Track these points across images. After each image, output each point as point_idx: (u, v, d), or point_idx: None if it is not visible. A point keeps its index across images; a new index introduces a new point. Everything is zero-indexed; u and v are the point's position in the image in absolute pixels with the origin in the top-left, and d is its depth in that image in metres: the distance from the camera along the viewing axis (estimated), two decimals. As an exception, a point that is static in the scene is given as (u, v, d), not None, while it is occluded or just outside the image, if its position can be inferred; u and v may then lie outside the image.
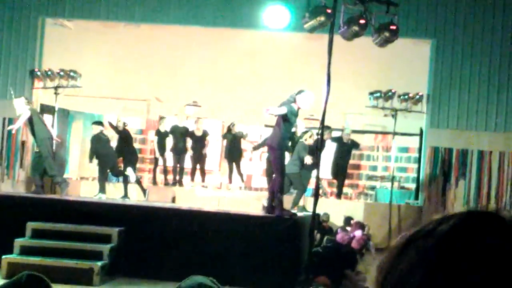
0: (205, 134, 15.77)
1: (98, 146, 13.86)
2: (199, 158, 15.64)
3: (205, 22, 14.87)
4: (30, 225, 9.13)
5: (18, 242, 8.86)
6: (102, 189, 13.41)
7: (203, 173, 15.84)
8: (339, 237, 10.02)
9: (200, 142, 15.64)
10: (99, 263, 8.52)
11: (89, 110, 18.62)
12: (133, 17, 15.28)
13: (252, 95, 14.37)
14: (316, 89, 14.25)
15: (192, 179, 15.75)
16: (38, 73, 15.07)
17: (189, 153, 15.70)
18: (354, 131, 18.49)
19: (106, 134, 14.24)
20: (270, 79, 16.48)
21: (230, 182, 15.77)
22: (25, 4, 15.30)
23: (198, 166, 15.74)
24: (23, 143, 15.29)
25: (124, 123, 15.12)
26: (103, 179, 13.75)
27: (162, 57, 17.30)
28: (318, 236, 10.69)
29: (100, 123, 14.52)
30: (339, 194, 15.52)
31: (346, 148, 15.39)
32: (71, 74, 15.28)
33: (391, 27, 9.97)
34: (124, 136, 15.00)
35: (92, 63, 17.12)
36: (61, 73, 15.14)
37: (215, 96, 17.44)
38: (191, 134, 15.74)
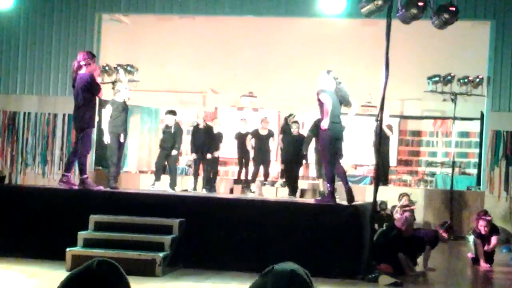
0: (270, 134, 14.89)
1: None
2: (264, 159, 14.82)
3: (260, 12, 14.83)
4: (93, 218, 9.24)
5: (82, 234, 8.97)
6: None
7: (267, 174, 15.00)
8: (397, 221, 9.88)
9: (264, 142, 14.79)
10: (161, 254, 8.56)
11: (146, 104, 18.80)
12: (188, 10, 15.34)
13: (309, 84, 14.19)
14: (373, 75, 14.10)
15: (254, 181, 14.97)
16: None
17: (251, 154, 14.99)
18: (412, 117, 18.24)
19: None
20: (326, 66, 16.33)
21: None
22: (82, 1, 15.51)
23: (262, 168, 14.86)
24: (83, 138, 15.52)
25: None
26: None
27: (217, 48, 17.34)
28: (376, 224, 10.55)
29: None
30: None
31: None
32: (128, 68, 15.46)
33: (451, 8, 9.74)
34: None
35: (148, 57, 17.27)
36: (118, 68, 15.31)
37: (271, 86, 17.41)
38: (256, 134, 14.94)
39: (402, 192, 13.09)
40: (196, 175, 14.55)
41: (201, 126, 14.45)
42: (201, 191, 14.10)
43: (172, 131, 13.61)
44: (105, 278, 2.02)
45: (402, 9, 9.71)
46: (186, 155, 17.53)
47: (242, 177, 15.29)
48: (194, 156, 14.40)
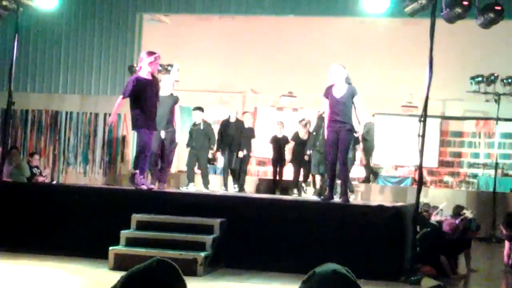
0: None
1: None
2: (303, 161, 14.44)
3: (300, 11, 14.79)
4: (135, 217, 9.30)
5: (124, 234, 9.03)
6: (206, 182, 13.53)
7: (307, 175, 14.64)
8: (445, 225, 9.75)
9: (304, 145, 14.43)
10: (203, 254, 8.57)
11: (186, 103, 18.86)
12: (228, 10, 15.37)
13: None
14: (414, 75, 13.96)
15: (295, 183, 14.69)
16: (137, 68, 15.36)
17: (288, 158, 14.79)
18: (454, 118, 18.03)
19: None
20: (367, 66, 16.24)
21: None
22: (123, 1, 15.63)
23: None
24: (123, 137, 15.64)
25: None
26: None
27: (257, 48, 17.33)
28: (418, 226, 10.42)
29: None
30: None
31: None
32: (169, 68, 15.51)
33: (496, 7, 9.59)
34: None
35: (189, 57, 17.32)
36: (159, 68, 15.39)
37: (310, 86, 17.31)
38: (296, 137, 14.76)
39: (459, 207, 12.80)
40: (225, 173, 14.19)
41: (232, 120, 14.14)
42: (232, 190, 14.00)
43: (201, 127, 13.32)
44: (165, 278, 2.04)
45: (446, 8, 9.58)
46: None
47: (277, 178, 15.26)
48: (219, 152, 13.98)
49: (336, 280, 2.16)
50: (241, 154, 13.87)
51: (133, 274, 2.07)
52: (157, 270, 2.04)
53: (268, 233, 9.29)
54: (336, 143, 9.65)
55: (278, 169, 15.11)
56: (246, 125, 14.30)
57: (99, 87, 15.80)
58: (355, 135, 9.81)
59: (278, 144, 15.01)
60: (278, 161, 15.09)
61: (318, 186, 13.30)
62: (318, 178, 13.37)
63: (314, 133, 13.39)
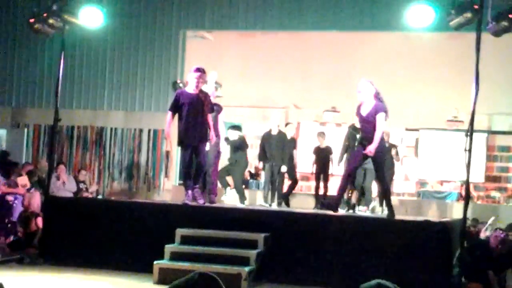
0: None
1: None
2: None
3: (343, 26, 14.76)
4: (179, 232, 9.33)
5: (169, 248, 9.07)
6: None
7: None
8: (492, 238, 9.58)
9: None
10: (247, 269, 8.56)
11: (229, 119, 18.93)
12: (270, 26, 15.41)
13: (393, 98, 14.00)
14: (459, 90, 13.80)
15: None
16: (181, 84, 15.47)
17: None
18: (501, 132, 17.77)
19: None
20: (412, 81, 16.13)
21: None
22: (167, 18, 15.80)
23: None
24: (167, 153, 15.76)
25: None
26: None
27: (300, 63, 17.33)
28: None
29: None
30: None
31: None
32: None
33: (543, 21, 9.44)
34: None
35: (232, 73, 17.40)
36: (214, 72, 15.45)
37: (354, 101, 17.21)
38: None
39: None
40: (267, 187, 13.43)
41: (273, 132, 13.41)
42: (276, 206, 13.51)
43: (236, 144, 13.03)
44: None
45: (492, 22, 9.47)
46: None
47: (321, 192, 14.57)
48: (261, 164, 13.56)
49: None
50: (283, 168, 13.32)
51: (177, 286, 2.07)
52: (199, 283, 2.03)
53: (312, 248, 9.24)
54: (361, 160, 9.74)
55: (322, 182, 14.42)
56: (289, 136, 13.79)
57: (143, 103, 15.95)
58: (369, 154, 9.61)
59: (321, 155, 14.36)
60: (320, 174, 14.42)
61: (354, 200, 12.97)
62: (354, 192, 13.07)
63: (347, 143, 13.08)
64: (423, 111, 16.71)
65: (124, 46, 15.95)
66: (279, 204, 13.57)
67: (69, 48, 12.54)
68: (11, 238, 11.43)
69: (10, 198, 11.93)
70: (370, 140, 9.48)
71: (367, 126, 9.55)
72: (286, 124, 15.00)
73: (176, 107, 10.16)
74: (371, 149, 9.47)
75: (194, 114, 10.10)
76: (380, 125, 9.53)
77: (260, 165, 13.73)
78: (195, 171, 10.27)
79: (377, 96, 9.70)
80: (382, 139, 9.68)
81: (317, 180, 14.49)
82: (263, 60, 17.66)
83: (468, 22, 9.52)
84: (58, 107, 11.35)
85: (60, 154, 15.77)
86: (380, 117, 9.51)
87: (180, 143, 10.33)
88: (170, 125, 10.37)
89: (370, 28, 14.68)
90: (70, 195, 13.40)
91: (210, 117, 10.45)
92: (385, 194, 10.09)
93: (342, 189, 10.07)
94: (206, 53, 16.64)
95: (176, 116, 10.28)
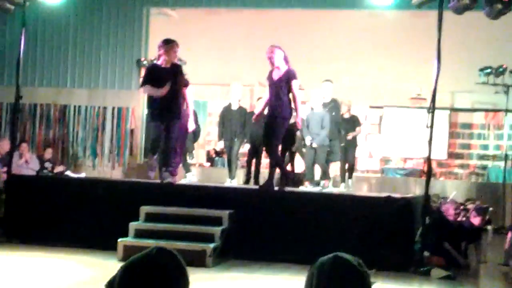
0: None
1: None
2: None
3: (308, 4, 14.78)
4: (144, 209, 9.32)
5: (133, 225, 9.06)
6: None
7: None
8: (446, 208, 9.74)
9: None
10: (211, 245, 8.60)
11: (194, 97, 18.85)
12: (235, 3, 15.37)
13: (357, 76, 14.15)
14: (422, 68, 13.92)
15: None
16: (145, 62, 15.37)
17: None
18: (463, 110, 17.99)
19: None
20: (375, 59, 16.21)
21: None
22: (131, -5, 15.63)
23: None
24: (131, 131, 15.66)
25: None
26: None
27: (264, 41, 17.22)
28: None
29: None
30: None
31: None
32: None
33: (504, -2, 9.53)
34: None
35: (196, 51, 17.30)
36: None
37: (317, 79, 17.30)
38: None
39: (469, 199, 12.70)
40: (230, 164, 12.84)
41: (233, 107, 12.85)
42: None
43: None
44: (165, 266, 2.01)
45: (454, 0, 9.54)
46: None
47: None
48: (221, 143, 12.91)
49: (335, 264, 2.15)
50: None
51: (133, 262, 2.05)
52: (157, 257, 2.02)
53: (276, 224, 9.30)
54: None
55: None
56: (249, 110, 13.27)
57: (107, 81, 15.81)
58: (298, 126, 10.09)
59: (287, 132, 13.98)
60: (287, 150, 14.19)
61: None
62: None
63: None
64: (387, 89, 16.83)
65: (87, 23, 15.76)
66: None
67: (30, 24, 12.38)
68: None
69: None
70: (280, 106, 9.46)
71: (278, 91, 9.51)
72: (258, 99, 14.51)
73: (148, 81, 9.69)
74: (298, 120, 9.78)
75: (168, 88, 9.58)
76: (297, 93, 9.64)
77: (221, 144, 12.92)
78: (162, 150, 9.90)
79: (286, 60, 9.66)
80: (288, 108, 9.66)
81: (283, 156, 14.18)
82: (228, 37, 17.59)
83: (430, 0, 9.59)
84: (20, 84, 11.21)
85: (23, 133, 15.59)
86: (295, 84, 9.57)
87: (151, 119, 10.11)
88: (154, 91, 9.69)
89: (334, 6, 14.71)
90: (33, 173, 13.27)
91: (185, 92, 10.26)
92: (274, 166, 9.86)
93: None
94: (170, 30, 16.45)
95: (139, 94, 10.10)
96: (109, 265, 8.16)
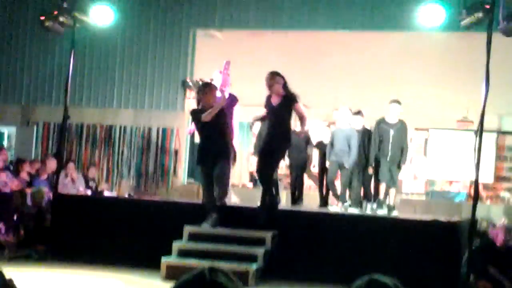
0: None
1: None
2: None
3: (354, 26, 14.73)
4: (187, 229, 9.35)
5: (176, 245, 9.09)
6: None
7: None
8: (495, 232, 9.53)
9: None
10: (254, 266, 8.57)
11: (239, 119, 18.90)
12: (281, 25, 15.39)
13: (403, 98, 13.97)
14: (470, 90, 13.75)
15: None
16: (190, 83, 15.47)
17: None
18: (510, 132, 17.71)
19: None
20: (422, 81, 16.07)
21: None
22: (177, 17, 15.80)
23: None
24: (176, 151, 15.75)
25: None
26: None
27: (310, 63, 17.29)
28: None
29: None
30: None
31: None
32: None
33: (554, 20, 9.39)
34: None
35: (241, 72, 17.38)
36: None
37: (363, 101, 17.23)
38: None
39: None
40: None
41: None
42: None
43: None
44: (221, 285, 1.92)
45: (503, 21, 9.42)
46: None
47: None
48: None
49: (370, 286, 2.10)
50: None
51: (185, 282, 1.97)
52: (211, 279, 1.93)
53: (319, 246, 9.24)
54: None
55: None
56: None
57: (153, 102, 15.95)
58: None
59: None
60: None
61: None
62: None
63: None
64: (433, 111, 16.65)
65: (134, 45, 15.96)
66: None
67: (79, 46, 12.56)
68: (20, 234, 11.45)
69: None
70: (280, 135, 9.45)
71: (278, 118, 9.53)
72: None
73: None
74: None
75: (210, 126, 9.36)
76: (305, 112, 9.82)
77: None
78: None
79: (286, 86, 9.69)
80: (288, 137, 9.60)
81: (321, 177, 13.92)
82: (273, 59, 17.62)
83: (479, 22, 9.48)
84: (68, 105, 11.40)
85: (69, 152, 15.80)
86: (298, 106, 9.62)
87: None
88: None
89: (380, 28, 14.65)
90: (79, 193, 13.41)
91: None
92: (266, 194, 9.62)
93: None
94: (215, 52, 16.62)
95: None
96: (153, 284, 8.19)
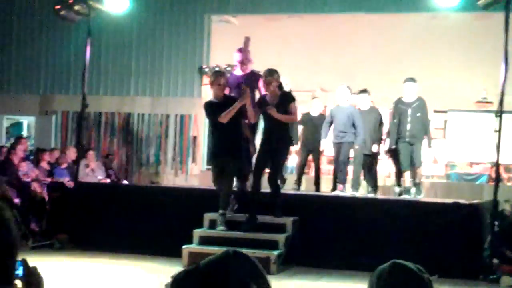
0: None
1: None
2: None
3: (370, 8, 14.64)
4: (208, 216, 9.36)
5: (197, 232, 9.11)
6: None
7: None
8: None
9: None
10: (275, 252, 8.57)
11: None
12: (296, 9, 15.33)
13: (421, 80, 13.87)
14: (489, 70, 13.64)
15: None
16: (207, 69, 15.45)
17: None
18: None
19: None
20: (439, 63, 15.93)
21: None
22: (192, 3, 15.76)
23: None
24: (194, 138, 15.77)
25: None
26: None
27: (326, 46, 17.20)
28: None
29: None
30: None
31: None
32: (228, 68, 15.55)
33: None
34: None
35: (257, 57, 17.31)
36: (228, 69, 15.44)
37: (381, 84, 17.13)
38: None
39: None
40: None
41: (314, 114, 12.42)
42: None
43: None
44: (243, 268, 1.92)
45: (521, 0, 9.30)
46: None
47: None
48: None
49: (394, 271, 2.10)
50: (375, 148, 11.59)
51: (208, 263, 1.95)
52: (232, 262, 1.92)
53: (340, 231, 9.22)
54: None
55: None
56: (317, 113, 12.50)
57: (170, 89, 15.95)
58: None
59: None
60: None
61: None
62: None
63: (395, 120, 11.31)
64: (451, 92, 16.52)
65: (149, 32, 15.95)
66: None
67: (95, 35, 12.56)
68: (43, 224, 11.53)
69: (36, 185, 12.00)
70: (283, 136, 9.16)
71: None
72: (313, 98, 14.01)
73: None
74: None
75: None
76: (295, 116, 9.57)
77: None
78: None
79: (280, 86, 9.36)
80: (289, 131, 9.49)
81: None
82: (289, 43, 17.56)
83: (496, 1, 9.38)
84: (86, 93, 11.41)
85: (88, 141, 15.85)
86: (294, 106, 9.21)
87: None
88: None
89: (397, 10, 14.54)
90: (99, 181, 13.46)
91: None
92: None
93: None
94: (231, 37, 16.57)
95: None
96: (175, 272, 8.20)
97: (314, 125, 11.91)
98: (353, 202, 9.70)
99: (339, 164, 11.02)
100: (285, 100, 9.14)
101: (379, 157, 11.84)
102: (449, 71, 16.16)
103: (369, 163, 11.46)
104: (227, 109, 8.86)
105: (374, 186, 11.47)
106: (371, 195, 10.99)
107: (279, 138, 9.09)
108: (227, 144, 8.98)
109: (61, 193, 11.09)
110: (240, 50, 10.10)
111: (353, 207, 9.44)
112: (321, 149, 11.60)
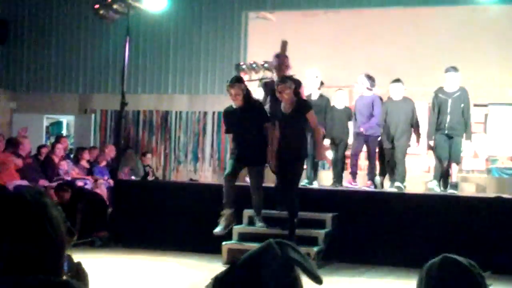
0: None
1: None
2: None
3: (407, 2, 14.52)
4: (247, 213, 9.37)
5: (236, 229, 9.11)
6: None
7: None
8: None
9: None
10: (315, 248, 8.54)
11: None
12: (333, 4, 15.26)
13: (462, 74, 13.69)
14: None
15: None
16: (244, 66, 15.42)
17: None
18: None
19: None
20: (479, 55, 15.72)
21: None
22: (229, 0, 15.77)
23: None
24: (232, 135, 15.78)
25: None
26: None
27: (363, 41, 17.09)
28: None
29: None
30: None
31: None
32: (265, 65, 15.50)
33: None
34: None
35: (294, 53, 17.27)
36: (266, 65, 15.41)
37: (420, 78, 16.94)
38: None
39: None
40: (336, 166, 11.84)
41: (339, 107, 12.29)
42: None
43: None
44: (277, 259, 1.86)
45: None
46: None
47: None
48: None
49: (444, 265, 2.06)
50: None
51: (252, 255, 1.91)
52: (273, 251, 1.86)
53: (380, 227, 9.15)
54: None
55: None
56: (342, 106, 12.36)
57: (207, 86, 15.99)
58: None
59: None
60: None
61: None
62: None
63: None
64: (492, 86, 16.30)
65: (187, 30, 16.00)
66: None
67: (133, 33, 12.64)
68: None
69: (80, 183, 12.14)
70: (298, 145, 8.78)
71: (293, 126, 8.76)
72: (337, 90, 13.77)
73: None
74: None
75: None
76: (317, 124, 9.09)
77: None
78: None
79: (297, 93, 8.93)
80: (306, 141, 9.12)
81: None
82: (326, 39, 17.48)
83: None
84: (124, 92, 11.49)
85: (127, 139, 15.97)
86: (311, 114, 8.82)
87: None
88: None
89: (435, 3, 14.38)
90: (138, 179, 13.56)
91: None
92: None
93: None
94: (268, 34, 16.55)
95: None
96: (215, 268, 8.21)
97: (339, 117, 11.75)
98: (393, 197, 9.60)
99: (370, 161, 10.98)
100: (302, 108, 8.78)
101: (408, 150, 11.07)
102: (489, 64, 15.94)
103: (390, 155, 10.92)
104: (244, 116, 8.78)
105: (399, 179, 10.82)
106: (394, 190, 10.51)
107: (297, 151, 8.77)
108: (248, 151, 8.85)
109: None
110: (277, 55, 9.95)
111: (394, 202, 9.36)
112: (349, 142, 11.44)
